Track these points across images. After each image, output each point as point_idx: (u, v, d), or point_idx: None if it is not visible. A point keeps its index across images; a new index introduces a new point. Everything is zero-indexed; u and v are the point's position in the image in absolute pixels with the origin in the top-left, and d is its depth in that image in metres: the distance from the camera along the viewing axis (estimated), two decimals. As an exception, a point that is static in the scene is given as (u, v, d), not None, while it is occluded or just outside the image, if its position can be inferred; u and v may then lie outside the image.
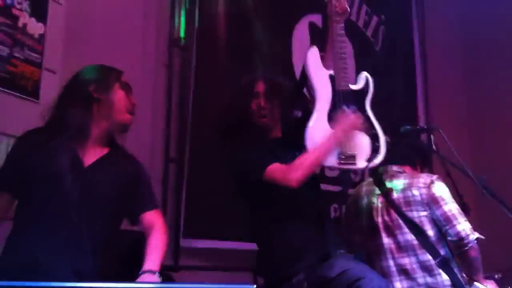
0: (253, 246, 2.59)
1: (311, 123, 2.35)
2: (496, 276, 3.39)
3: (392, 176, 2.73)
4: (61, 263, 1.91)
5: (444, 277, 2.53)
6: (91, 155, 2.07)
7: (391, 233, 2.62)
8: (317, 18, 4.53)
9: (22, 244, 1.95)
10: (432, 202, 2.59)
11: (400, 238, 2.60)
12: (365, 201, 2.76)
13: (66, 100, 2.10)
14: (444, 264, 2.50)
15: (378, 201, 2.70)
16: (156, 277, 1.92)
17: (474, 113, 5.46)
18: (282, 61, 4.16)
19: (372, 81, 2.47)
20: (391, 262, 2.61)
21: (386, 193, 2.60)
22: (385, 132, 4.49)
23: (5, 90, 2.43)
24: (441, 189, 2.61)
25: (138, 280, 1.90)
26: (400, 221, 2.57)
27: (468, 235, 2.51)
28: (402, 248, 2.60)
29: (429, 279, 2.54)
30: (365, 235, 2.72)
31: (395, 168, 2.78)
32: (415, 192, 2.61)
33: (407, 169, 2.81)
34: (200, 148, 3.49)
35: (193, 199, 3.41)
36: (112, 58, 2.31)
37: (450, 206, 2.57)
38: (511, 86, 5.18)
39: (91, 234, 1.99)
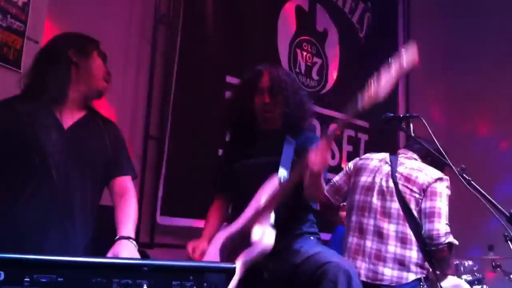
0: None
1: None
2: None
3: (407, 158, 2.78)
4: (50, 234, 1.93)
5: (414, 254, 2.59)
6: (69, 118, 2.06)
7: (382, 197, 2.68)
8: (303, 2, 4.53)
9: (8, 214, 1.95)
10: (429, 193, 2.64)
11: (389, 204, 2.66)
12: (374, 162, 2.80)
13: (43, 64, 2.09)
14: (423, 247, 2.57)
15: (384, 167, 2.75)
16: (132, 245, 1.90)
17: (452, 103, 5.52)
18: (267, 42, 4.16)
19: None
20: (371, 221, 2.67)
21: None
22: (367, 119, 4.64)
23: (-14, 58, 2.39)
24: (443, 188, 2.67)
25: (114, 247, 1.88)
26: (394, 190, 2.64)
27: (440, 237, 2.56)
28: (386, 213, 2.66)
29: (398, 250, 2.61)
30: (356, 189, 2.76)
31: (409, 153, 2.82)
32: (420, 176, 2.66)
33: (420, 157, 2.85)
34: (181, 127, 3.49)
35: (171, 178, 3.41)
36: (96, 31, 2.28)
37: (441, 205, 2.62)
38: (491, 76, 5.25)
39: (80, 200, 2.00)
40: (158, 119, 3.51)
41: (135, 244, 1.93)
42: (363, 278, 2.58)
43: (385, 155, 2.85)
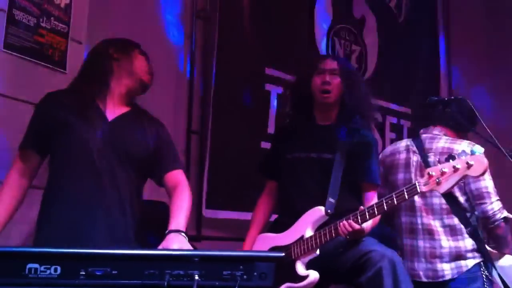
0: (273, 217, 2.63)
1: None
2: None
3: (432, 139, 2.71)
4: (98, 226, 1.98)
5: (468, 242, 2.56)
6: (113, 111, 2.12)
7: (422, 193, 2.64)
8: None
9: (57, 207, 2.01)
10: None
11: (430, 200, 2.62)
12: (403, 155, 2.75)
13: (86, 62, 2.22)
14: (473, 232, 2.55)
15: (414, 158, 2.69)
16: (182, 237, 1.93)
17: (497, 80, 5.35)
18: (305, 32, 4.13)
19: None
20: (418, 220, 2.63)
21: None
22: (410, 105, 4.55)
23: (33, 60, 2.45)
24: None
25: (165, 240, 1.92)
26: None
27: (495, 214, 2.53)
28: (430, 209, 2.62)
29: (452, 243, 2.57)
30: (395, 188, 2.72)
31: (435, 131, 2.75)
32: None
33: (449, 132, 2.77)
34: (222, 121, 3.51)
35: (215, 171, 3.44)
36: (135, 31, 2.32)
37: (487, 183, 2.57)
38: None
39: (123, 191, 2.05)
40: (200, 114, 3.53)
41: (185, 236, 1.96)
42: (424, 279, 2.56)
43: (408, 142, 2.77)
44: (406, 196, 2.15)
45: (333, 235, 2.23)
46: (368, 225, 2.25)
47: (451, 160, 2.08)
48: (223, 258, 1.50)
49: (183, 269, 1.45)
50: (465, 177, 2.10)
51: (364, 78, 4.55)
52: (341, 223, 2.20)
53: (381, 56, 4.65)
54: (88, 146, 2.02)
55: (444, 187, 2.09)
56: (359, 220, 2.19)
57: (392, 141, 4.53)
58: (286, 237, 2.36)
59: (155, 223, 2.20)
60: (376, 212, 2.18)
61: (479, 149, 2.11)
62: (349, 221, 2.19)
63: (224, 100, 3.53)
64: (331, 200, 2.32)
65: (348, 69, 2.56)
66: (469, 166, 2.05)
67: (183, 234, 1.95)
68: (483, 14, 5.39)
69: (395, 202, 2.16)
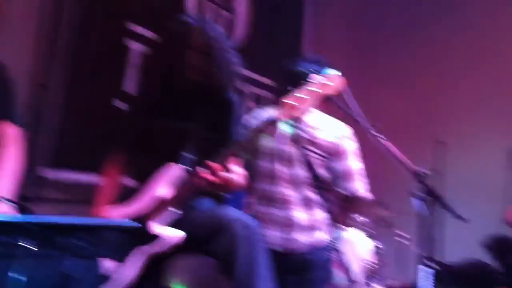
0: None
1: None
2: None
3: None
4: None
5: (323, 215, 2.64)
6: None
7: (286, 163, 2.62)
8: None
9: None
10: (338, 154, 2.62)
11: (291, 170, 2.62)
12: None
13: None
14: (329, 206, 2.63)
15: (283, 128, 2.66)
16: (7, 206, 1.72)
17: (361, 63, 5.58)
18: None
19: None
20: (277, 189, 2.63)
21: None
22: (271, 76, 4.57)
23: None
24: (350, 144, 2.64)
25: None
26: (297, 155, 2.58)
27: (354, 193, 2.63)
28: (290, 180, 2.64)
29: (308, 215, 2.61)
30: (261, 155, 2.68)
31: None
32: (324, 136, 2.61)
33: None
34: (75, 75, 3.21)
35: (63, 129, 3.15)
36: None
37: (352, 163, 2.65)
38: (397, 26, 5.37)
39: None
40: (52, 65, 3.20)
41: (9, 202, 1.72)
42: (277, 248, 2.56)
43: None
44: (264, 127, 2.15)
45: (190, 188, 2.11)
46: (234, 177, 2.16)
47: (307, 85, 2.10)
48: (56, 226, 1.32)
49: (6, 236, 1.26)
50: (323, 96, 2.12)
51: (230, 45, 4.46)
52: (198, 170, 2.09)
53: (250, 26, 4.58)
54: None
55: (302, 111, 2.11)
56: (221, 161, 2.08)
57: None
58: (139, 201, 2.22)
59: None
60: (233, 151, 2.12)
61: (331, 71, 2.17)
62: (208, 162, 2.08)
63: (79, 54, 3.23)
64: (187, 155, 2.21)
65: (216, 38, 2.43)
66: (324, 85, 2.08)
67: (9, 203, 1.70)
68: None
69: (254, 136, 2.17)
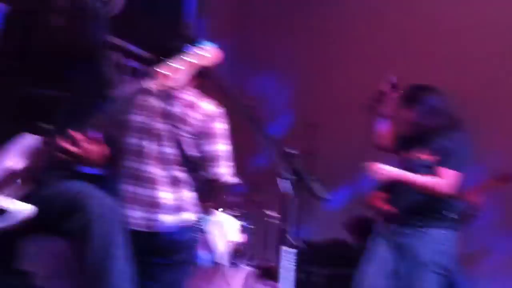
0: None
1: None
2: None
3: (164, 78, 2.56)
4: None
5: (189, 195, 2.53)
6: None
7: (155, 140, 2.50)
8: None
9: None
10: (208, 135, 2.53)
11: (160, 149, 2.50)
12: (145, 98, 2.54)
13: None
14: (196, 187, 2.53)
15: (156, 104, 2.52)
16: None
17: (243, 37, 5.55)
18: None
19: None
20: (144, 168, 2.50)
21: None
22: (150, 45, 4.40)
23: None
24: (220, 127, 2.56)
25: None
26: (166, 133, 2.49)
27: (222, 177, 2.55)
28: (159, 158, 2.50)
29: (174, 195, 2.50)
30: (129, 130, 2.53)
31: None
32: (194, 115, 2.51)
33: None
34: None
35: None
36: None
37: (221, 147, 2.56)
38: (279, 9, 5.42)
39: None
40: None
41: None
42: (139, 228, 2.44)
43: (153, 85, 2.61)
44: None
45: (45, 159, 1.95)
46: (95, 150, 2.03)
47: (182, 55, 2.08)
48: None
49: None
50: (199, 67, 2.11)
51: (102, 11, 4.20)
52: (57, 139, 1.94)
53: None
54: None
55: (176, 82, 2.08)
56: (83, 131, 1.95)
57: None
58: None
59: None
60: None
61: (208, 43, 2.15)
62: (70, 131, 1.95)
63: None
64: (47, 125, 2.04)
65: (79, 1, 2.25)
66: (200, 56, 2.08)
67: None
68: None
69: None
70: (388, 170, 3.07)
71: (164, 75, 2.06)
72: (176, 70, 2.06)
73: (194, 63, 2.09)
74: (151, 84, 2.10)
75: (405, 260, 3.20)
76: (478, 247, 4.47)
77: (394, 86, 3.41)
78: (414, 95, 3.31)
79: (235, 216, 3.79)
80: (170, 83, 2.08)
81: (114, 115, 2.45)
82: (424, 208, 3.20)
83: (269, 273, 3.86)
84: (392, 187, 3.33)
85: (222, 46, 2.28)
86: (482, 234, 4.38)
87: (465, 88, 4.37)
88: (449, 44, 4.87)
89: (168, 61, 2.09)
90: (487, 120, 4.41)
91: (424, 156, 3.23)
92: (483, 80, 4.64)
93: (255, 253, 4.37)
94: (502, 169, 3.97)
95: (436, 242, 3.16)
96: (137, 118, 2.52)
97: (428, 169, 3.19)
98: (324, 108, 5.08)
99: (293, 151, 2.15)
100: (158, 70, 2.07)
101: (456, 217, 3.28)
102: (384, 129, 3.57)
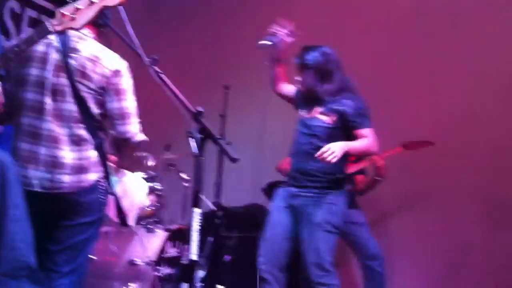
0: None
1: None
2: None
3: (80, 38, 2.39)
4: None
5: (92, 154, 2.42)
6: None
7: (55, 96, 2.35)
8: None
9: None
10: (114, 91, 2.39)
11: (61, 104, 2.35)
12: (41, 49, 2.37)
13: None
14: (100, 146, 2.43)
15: (53, 55, 2.36)
16: None
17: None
18: None
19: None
20: (44, 125, 2.35)
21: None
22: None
23: None
24: (126, 82, 2.43)
25: None
26: (67, 88, 2.34)
27: (132, 136, 2.48)
28: (60, 115, 2.36)
29: (76, 154, 2.39)
30: (26, 85, 2.35)
31: (85, 30, 2.40)
32: (98, 70, 2.35)
33: (92, 30, 2.47)
34: None
35: None
36: None
37: (128, 104, 2.46)
38: None
39: None
40: None
41: None
42: (39, 189, 2.31)
43: (52, 36, 2.44)
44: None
45: None
46: None
47: None
48: None
49: None
50: (103, 8, 2.04)
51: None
52: None
53: None
54: None
55: (80, 23, 2.02)
56: None
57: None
58: None
59: None
60: None
61: None
62: None
63: None
64: None
65: None
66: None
67: None
68: None
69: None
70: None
71: (65, 15, 1.98)
72: (77, 10, 1.98)
73: (98, 3, 2.01)
74: (50, 27, 2.00)
75: (301, 222, 3.28)
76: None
77: (290, 31, 3.39)
78: (302, 58, 3.32)
79: (147, 177, 3.70)
80: (71, 24, 1.99)
81: (9, 68, 2.27)
82: (320, 171, 3.26)
83: (181, 235, 3.83)
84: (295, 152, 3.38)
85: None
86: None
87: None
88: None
89: (72, 3, 2.01)
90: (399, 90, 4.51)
91: (323, 117, 3.28)
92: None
93: (173, 216, 4.31)
94: (410, 137, 4.08)
95: (329, 203, 3.24)
96: (34, 72, 2.35)
97: (327, 129, 3.26)
98: (237, 69, 5.05)
99: (200, 109, 2.10)
100: (59, 10, 2.00)
101: (347, 179, 3.42)
102: (279, 74, 3.57)
